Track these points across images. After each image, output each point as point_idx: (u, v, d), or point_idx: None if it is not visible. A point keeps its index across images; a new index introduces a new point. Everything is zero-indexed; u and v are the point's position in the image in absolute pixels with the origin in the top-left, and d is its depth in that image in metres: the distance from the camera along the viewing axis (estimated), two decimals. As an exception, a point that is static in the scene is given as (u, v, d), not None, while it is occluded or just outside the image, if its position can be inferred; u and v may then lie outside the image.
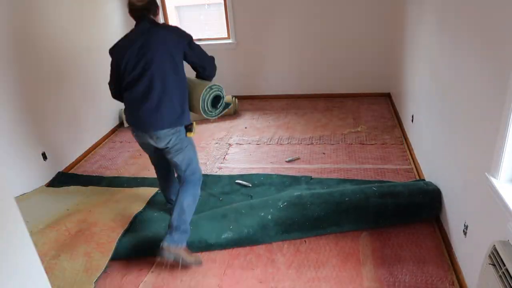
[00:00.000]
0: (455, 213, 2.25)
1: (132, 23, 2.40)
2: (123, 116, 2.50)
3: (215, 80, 2.55)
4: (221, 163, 3.62)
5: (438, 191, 2.55)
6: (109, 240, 2.51)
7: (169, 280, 2.31)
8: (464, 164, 2.09)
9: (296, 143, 3.88)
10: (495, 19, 1.70)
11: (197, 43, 2.43)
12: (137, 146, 4.05)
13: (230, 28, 4.86)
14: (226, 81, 5.19)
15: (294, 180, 3.18)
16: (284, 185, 3.12)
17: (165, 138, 2.29)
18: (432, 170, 2.77)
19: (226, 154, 3.79)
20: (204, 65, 2.44)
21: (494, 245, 1.48)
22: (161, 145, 2.34)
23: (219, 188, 3.17)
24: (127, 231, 2.63)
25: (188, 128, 2.37)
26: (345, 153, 3.61)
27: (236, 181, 3.20)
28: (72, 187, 3.27)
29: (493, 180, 1.66)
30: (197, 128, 2.46)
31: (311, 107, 4.77)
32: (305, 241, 2.52)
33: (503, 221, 1.57)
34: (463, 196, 2.12)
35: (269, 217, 2.57)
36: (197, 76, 2.52)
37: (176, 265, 2.34)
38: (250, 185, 3.15)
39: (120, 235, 2.56)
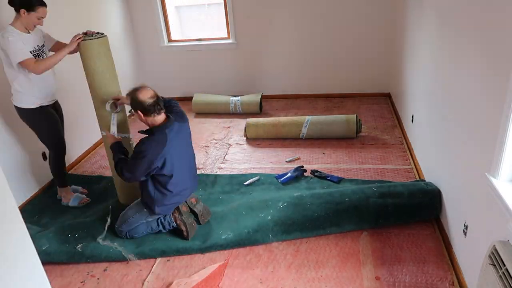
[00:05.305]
0: (455, 213, 2.26)
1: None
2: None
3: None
4: (221, 163, 3.62)
5: (438, 191, 2.55)
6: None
7: (168, 280, 2.31)
8: (464, 164, 2.09)
9: (296, 143, 3.88)
10: (495, 19, 1.70)
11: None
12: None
13: (230, 28, 4.86)
14: (226, 81, 5.18)
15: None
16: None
17: None
18: (432, 170, 2.77)
19: (226, 154, 3.79)
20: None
21: (494, 245, 1.48)
22: None
23: (219, 187, 3.18)
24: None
25: None
26: (345, 153, 3.61)
27: (244, 183, 3.18)
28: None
29: (493, 180, 1.66)
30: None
31: (311, 107, 4.77)
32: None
33: (503, 221, 1.57)
34: (463, 196, 2.12)
35: (269, 217, 2.57)
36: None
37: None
38: (259, 178, 3.20)
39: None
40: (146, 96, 2.34)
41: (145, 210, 2.54)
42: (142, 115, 2.38)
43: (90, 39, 2.56)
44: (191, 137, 2.64)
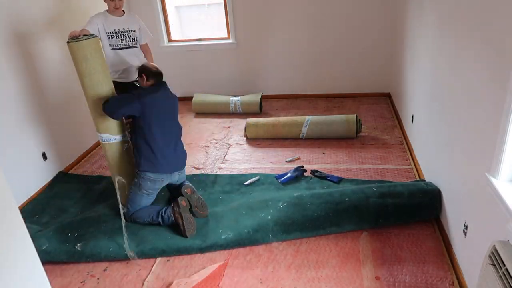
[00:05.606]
0: (455, 213, 2.26)
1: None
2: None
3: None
4: (221, 163, 3.62)
5: (438, 191, 2.55)
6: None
7: (168, 280, 2.32)
8: (464, 164, 2.09)
9: (296, 143, 3.88)
10: (495, 19, 1.70)
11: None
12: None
13: (230, 28, 4.86)
14: (226, 81, 5.18)
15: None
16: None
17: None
18: (432, 170, 2.77)
19: (226, 154, 3.80)
20: None
21: (494, 245, 1.48)
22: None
23: (219, 187, 3.18)
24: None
25: None
26: (345, 153, 3.61)
27: (245, 183, 3.19)
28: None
29: (493, 180, 1.66)
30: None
31: (311, 107, 4.77)
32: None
33: (503, 221, 1.57)
34: (463, 196, 2.12)
35: (269, 217, 2.57)
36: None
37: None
38: (259, 178, 3.20)
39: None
40: (154, 67, 2.77)
41: (136, 180, 2.72)
42: (145, 78, 2.72)
43: (77, 41, 2.54)
44: (176, 110, 2.86)
